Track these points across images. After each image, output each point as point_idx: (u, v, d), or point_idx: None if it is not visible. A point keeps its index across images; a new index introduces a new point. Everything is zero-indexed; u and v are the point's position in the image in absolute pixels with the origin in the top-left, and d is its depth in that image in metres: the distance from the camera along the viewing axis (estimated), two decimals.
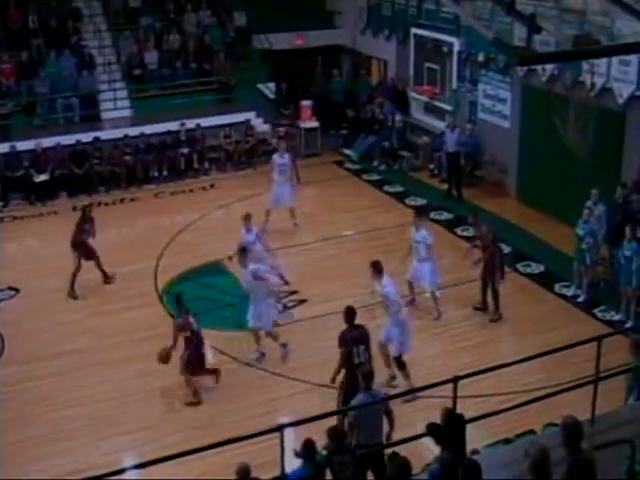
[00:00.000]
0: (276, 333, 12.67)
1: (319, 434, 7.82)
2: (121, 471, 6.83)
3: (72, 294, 14.56)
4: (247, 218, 13.94)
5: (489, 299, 13.67)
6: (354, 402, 8.88)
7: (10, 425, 10.98)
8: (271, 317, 12.68)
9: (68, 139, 19.66)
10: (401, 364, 11.51)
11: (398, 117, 21.41)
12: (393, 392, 10.96)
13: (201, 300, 13.82)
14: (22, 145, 19.29)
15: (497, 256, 13.57)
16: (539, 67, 16.35)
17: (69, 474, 9.45)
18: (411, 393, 10.33)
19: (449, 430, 6.76)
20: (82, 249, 14.63)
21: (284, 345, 12.52)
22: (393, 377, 11.69)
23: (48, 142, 19.35)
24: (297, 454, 7.77)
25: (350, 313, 10.38)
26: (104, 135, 20.18)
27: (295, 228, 17.23)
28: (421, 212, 14.34)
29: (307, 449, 7.37)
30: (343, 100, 23.97)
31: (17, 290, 14.64)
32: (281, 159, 17.18)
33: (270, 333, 12.61)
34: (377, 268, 11.43)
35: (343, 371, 10.32)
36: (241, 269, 12.45)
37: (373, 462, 8.54)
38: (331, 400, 10.70)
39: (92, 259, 14.81)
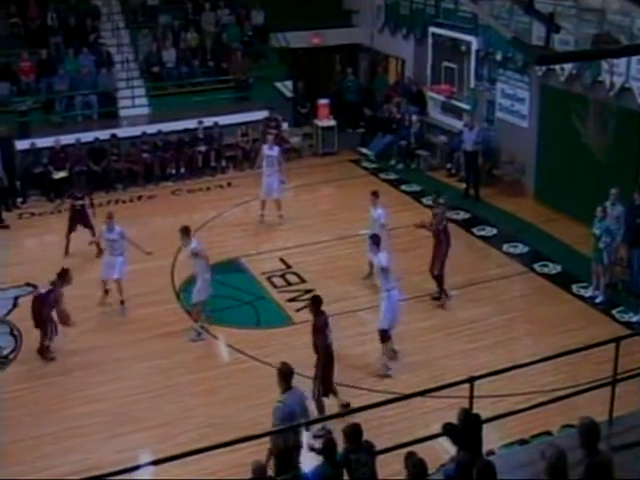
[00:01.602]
0: (199, 311, 13.20)
1: (335, 433, 7.80)
2: (135, 468, 6.84)
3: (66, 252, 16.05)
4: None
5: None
6: (282, 404, 8.50)
7: (24, 422, 11.04)
8: (206, 292, 13.14)
9: (86, 136, 19.78)
10: (384, 338, 11.87)
11: (415, 116, 21.37)
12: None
13: (218, 298, 13.85)
14: (41, 142, 19.42)
15: (443, 246, 13.60)
16: (558, 66, 16.25)
17: (83, 471, 9.39)
18: (426, 393, 10.30)
19: (465, 430, 6.73)
20: (77, 215, 16.14)
21: (199, 331, 13.06)
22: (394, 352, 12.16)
23: (67, 139, 19.43)
24: (313, 449, 7.74)
25: (318, 302, 10.71)
26: (122, 132, 20.27)
27: (281, 220, 17.48)
28: (377, 193, 14.76)
29: (328, 448, 7.27)
30: (357, 98, 23.96)
31: (34, 286, 14.67)
32: (269, 151, 17.44)
33: (195, 306, 13.17)
34: (375, 241, 12.04)
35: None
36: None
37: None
38: (346, 398, 10.73)
39: (89, 228, 16.08)
